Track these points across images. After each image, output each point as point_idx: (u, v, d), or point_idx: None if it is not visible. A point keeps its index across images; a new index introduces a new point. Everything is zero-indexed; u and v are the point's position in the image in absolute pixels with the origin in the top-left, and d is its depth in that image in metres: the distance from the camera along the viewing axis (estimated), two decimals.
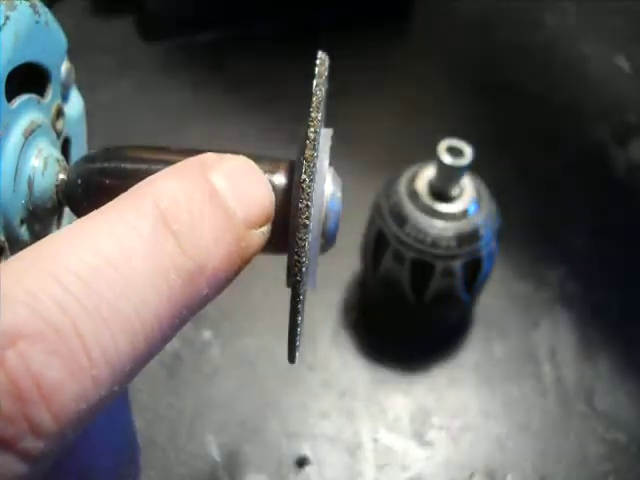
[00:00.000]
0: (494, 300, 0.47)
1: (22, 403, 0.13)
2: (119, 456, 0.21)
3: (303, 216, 0.18)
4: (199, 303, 0.16)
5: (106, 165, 0.20)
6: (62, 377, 0.14)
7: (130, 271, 0.15)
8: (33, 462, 0.14)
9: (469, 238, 0.39)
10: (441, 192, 0.40)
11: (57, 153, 0.21)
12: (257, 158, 0.20)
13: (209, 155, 0.18)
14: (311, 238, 0.18)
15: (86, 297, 0.14)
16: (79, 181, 0.20)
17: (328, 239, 0.20)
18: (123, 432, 0.22)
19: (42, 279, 0.14)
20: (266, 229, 0.18)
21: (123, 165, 0.19)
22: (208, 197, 0.16)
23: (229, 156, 0.18)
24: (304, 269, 0.18)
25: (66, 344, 0.14)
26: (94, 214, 0.16)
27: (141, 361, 0.15)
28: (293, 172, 0.19)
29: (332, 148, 0.20)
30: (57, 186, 0.21)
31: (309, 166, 0.18)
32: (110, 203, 0.16)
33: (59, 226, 0.24)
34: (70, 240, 0.15)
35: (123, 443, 0.22)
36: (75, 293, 0.14)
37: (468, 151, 0.38)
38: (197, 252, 0.16)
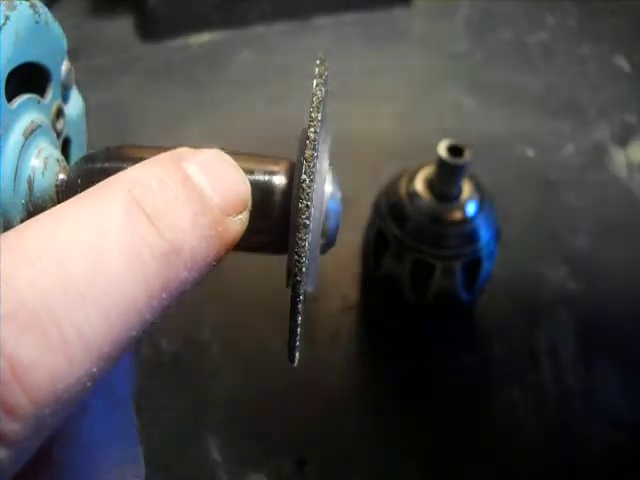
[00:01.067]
0: (494, 300, 0.47)
1: None
2: (123, 470, 0.21)
3: (303, 216, 0.18)
4: (178, 286, 0.16)
5: (106, 165, 0.20)
6: (35, 356, 0.13)
7: (103, 252, 0.15)
8: (11, 445, 0.13)
9: (469, 238, 0.39)
10: (441, 192, 0.40)
11: (57, 153, 0.21)
12: (257, 158, 0.20)
13: (183, 148, 0.18)
14: (311, 238, 0.18)
15: (60, 278, 0.14)
16: (79, 181, 0.20)
17: (328, 239, 0.20)
18: (128, 445, 0.22)
19: (18, 262, 0.14)
20: (244, 216, 0.18)
21: (123, 165, 0.19)
22: (181, 183, 0.17)
23: (202, 149, 0.18)
24: (304, 269, 0.18)
25: (39, 323, 0.14)
26: (69, 202, 0.16)
27: (119, 343, 0.15)
28: (293, 172, 0.19)
29: (332, 148, 0.20)
30: (57, 186, 0.21)
31: (309, 166, 0.18)
32: (84, 192, 0.16)
33: None
34: (46, 224, 0.15)
35: (127, 457, 0.21)
36: (49, 274, 0.14)
37: (468, 151, 0.38)
38: (172, 234, 0.16)
